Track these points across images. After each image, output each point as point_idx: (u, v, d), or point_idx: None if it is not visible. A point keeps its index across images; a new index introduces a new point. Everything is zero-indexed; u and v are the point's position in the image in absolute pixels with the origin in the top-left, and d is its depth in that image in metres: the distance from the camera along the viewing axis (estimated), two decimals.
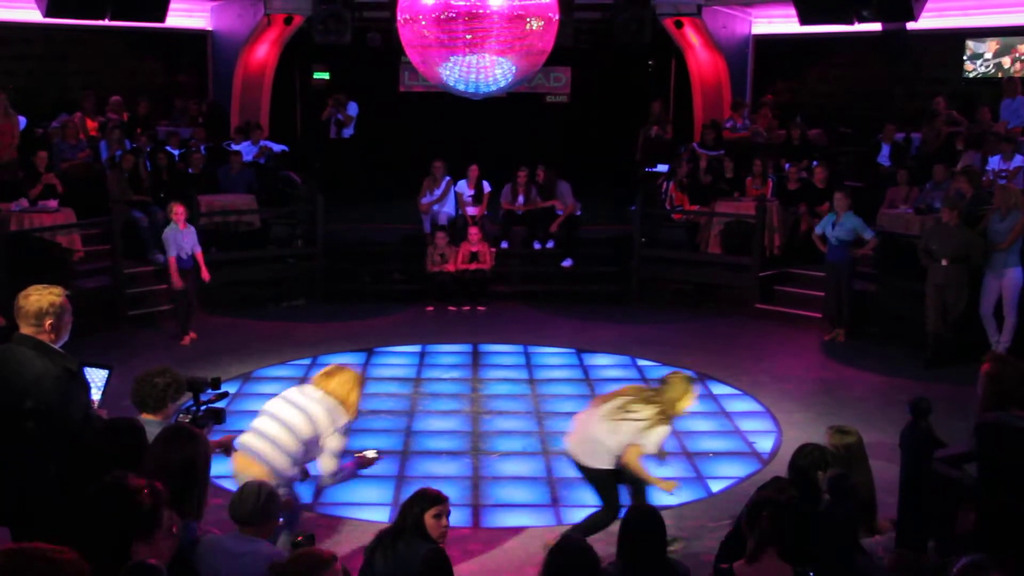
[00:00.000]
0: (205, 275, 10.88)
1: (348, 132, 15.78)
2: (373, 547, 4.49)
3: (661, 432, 5.97)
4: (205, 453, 3.87)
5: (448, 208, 13.57)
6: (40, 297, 4.33)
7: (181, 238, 10.70)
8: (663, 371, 10.11)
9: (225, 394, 5.10)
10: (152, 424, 4.72)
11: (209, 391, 4.91)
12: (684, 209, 13.70)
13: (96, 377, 4.96)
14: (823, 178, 12.84)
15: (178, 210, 10.70)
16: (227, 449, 5.26)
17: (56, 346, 4.36)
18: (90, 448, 4.04)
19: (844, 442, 5.44)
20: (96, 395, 4.90)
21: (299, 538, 4.36)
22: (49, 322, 4.30)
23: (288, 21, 15.43)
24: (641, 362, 10.46)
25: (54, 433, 4.18)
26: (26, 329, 4.33)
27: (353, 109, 15.77)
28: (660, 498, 6.92)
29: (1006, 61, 14.59)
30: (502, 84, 8.76)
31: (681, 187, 13.79)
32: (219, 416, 4.84)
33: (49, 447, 4.15)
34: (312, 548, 3.75)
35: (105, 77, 15.73)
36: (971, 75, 14.87)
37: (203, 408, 4.81)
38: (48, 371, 4.22)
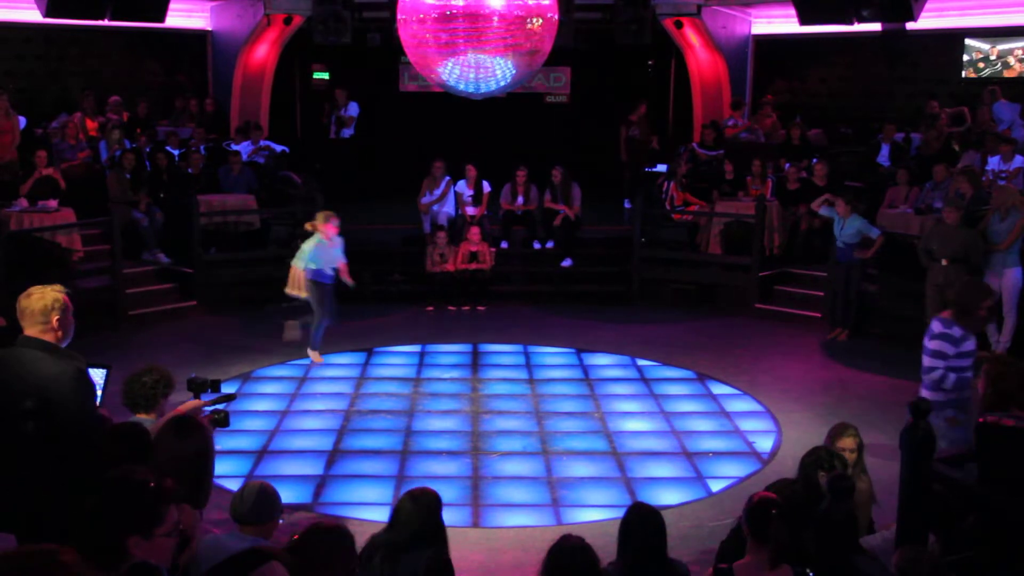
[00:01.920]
0: (349, 280, 10.19)
1: (348, 132, 15.79)
2: (368, 554, 4.42)
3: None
4: (212, 443, 3.89)
5: (448, 208, 13.57)
6: (43, 295, 4.30)
7: (327, 253, 9.99)
8: (663, 371, 10.21)
9: (232, 397, 5.08)
10: (148, 424, 4.72)
11: (210, 393, 4.90)
12: (685, 209, 13.71)
13: (96, 376, 4.95)
14: (823, 175, 12.85)
15: (335, 221, 9.96)
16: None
17: (62, 345, 4.34)
18: (98, 450, 4.03)
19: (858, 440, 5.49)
20: (97, 394, 4.89)
21: (295, 537, 4.30)
22: (56, 318, 4.28)
23: (288, 21, 15.44)
24: (641, 362, 10.46)
25: (72, 434, 4.15)
26: (31, 330, 4.29)
27: (354, 109, 15.76)
28: (660, 498, 6.94)
29: (1011, 59, 14.58)
30: (502, 84, 8.77)
31: (681, 187, 13.80)
32: (224, 420, 4.83)
33: (66, 449, 4.13)
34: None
35: (105, 77, 15.75)
36: (982, 72, 14.81)
37: (206, 410, 4.80)
38: (64, 371, 4.20)
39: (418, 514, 4.31)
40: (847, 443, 5.39)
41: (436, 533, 4.33)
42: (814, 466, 5.01)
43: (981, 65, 14.81)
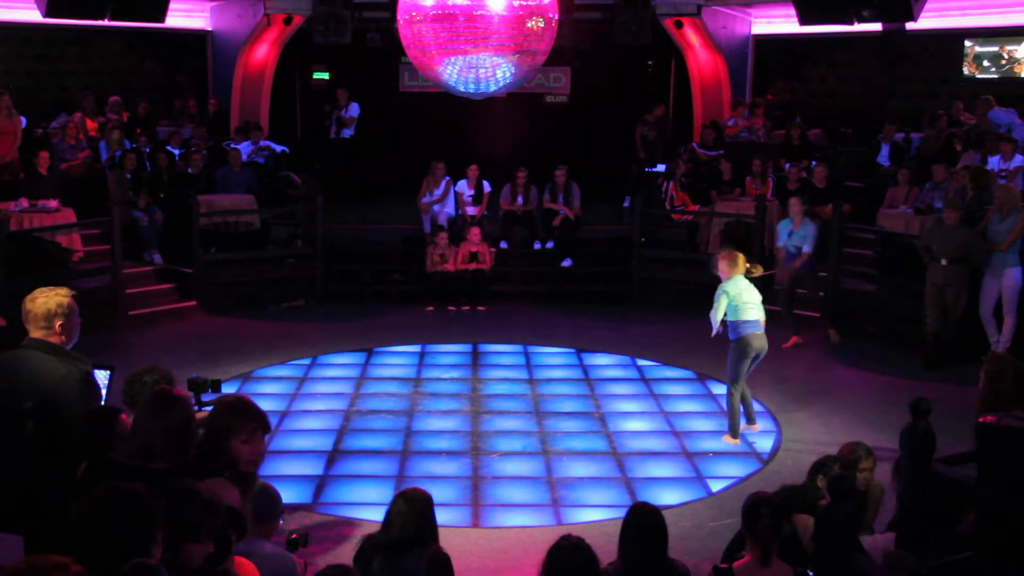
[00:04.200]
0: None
1: (348, 132, 15.79)
2: (365, 557, 4.41)
3: None
4: (192, 415, 3.89)
5: (448, 208, 13.58)
6: (47, 299, 4.30)
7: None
8: (663, 371, 10.21)
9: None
10: None
11: (211, 393, 4.90)
12: (685, 209, 13.70)
13: (100, 378, 4.95)
14: (823, 176, 12.85)
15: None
16: None
17: (67, 348, 4.34)
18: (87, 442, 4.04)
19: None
20: (102, 396, 4.89)
21: (293, 536, 4.34)
22: (59, 323, 4.28)
23: (288, 21, 15.44)
24: (641, 362, 10.46)
25: (76, 436, 4.15)
26: (36, 333, 4.29)
27: (355, 110, 15.74)
28: (660, 498, 6.93)
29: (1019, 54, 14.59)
30: (502, 84, 8.77)
31: (681, 186, 13.80)
32: None
33: (71, 451, 4.12)
34: None
35: (105, 77, 15.75)
36: (1003, 69, 14.77)
37: (205, 409, 4.80)
38: (70, 374, 4.20)
39: (416, 515, 4.32)
40: (867, 464, 5.41)
41: (431, 532, 4.35)
42: (814, 473, 5.07)
43: (1001, 62, 14.74)
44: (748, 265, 8.18)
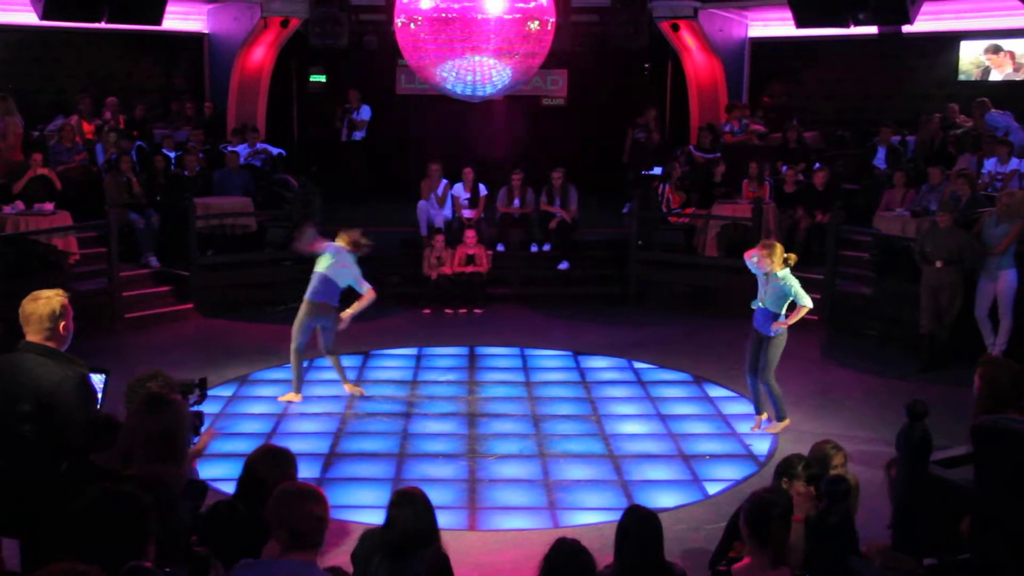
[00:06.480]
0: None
1: (359, 135, 15.78)
2: (365, 556, 4.40)
3: None
4: (184, 416, 3.90)
5: (445, 211, 13.58)
6: (49, 300, 4.29)
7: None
8: (660, 373, 10.21)
9: (203, 397, 5.03)
10: None
11: (196, 392, 4.89)
12: (681, 212, 13.71)
13: (95, 381, 4.94)
14: (823, 180, 12.86)
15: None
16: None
17: (62, 350, 4.33)
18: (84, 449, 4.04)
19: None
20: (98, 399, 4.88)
21: None
22: (62, 324, 4.29)
23: (285, 24, 15.44)
24: (638, 365, 10.46)
25: (74, 438, 4.14)
26: (34, 336, 4.27)
27: (366, 113, 15.72)
28: (657, 500, 6.93)
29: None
30: (499, 87, 8.77)
31: (677, 188, 13.80)
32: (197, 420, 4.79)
33: (69, 454, 4.12)
34: None
35: (101, 80, 15.73)
36: (997, 71, 14.80)
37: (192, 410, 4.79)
38: (67, 377, 4.19)
39: (419, 515, 4.32)
40: (838, 460, 5.39)
41: (434, 532, 4.35)
42: (779, 476, 5.06)
43: (999, 65, 14.75)
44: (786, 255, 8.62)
